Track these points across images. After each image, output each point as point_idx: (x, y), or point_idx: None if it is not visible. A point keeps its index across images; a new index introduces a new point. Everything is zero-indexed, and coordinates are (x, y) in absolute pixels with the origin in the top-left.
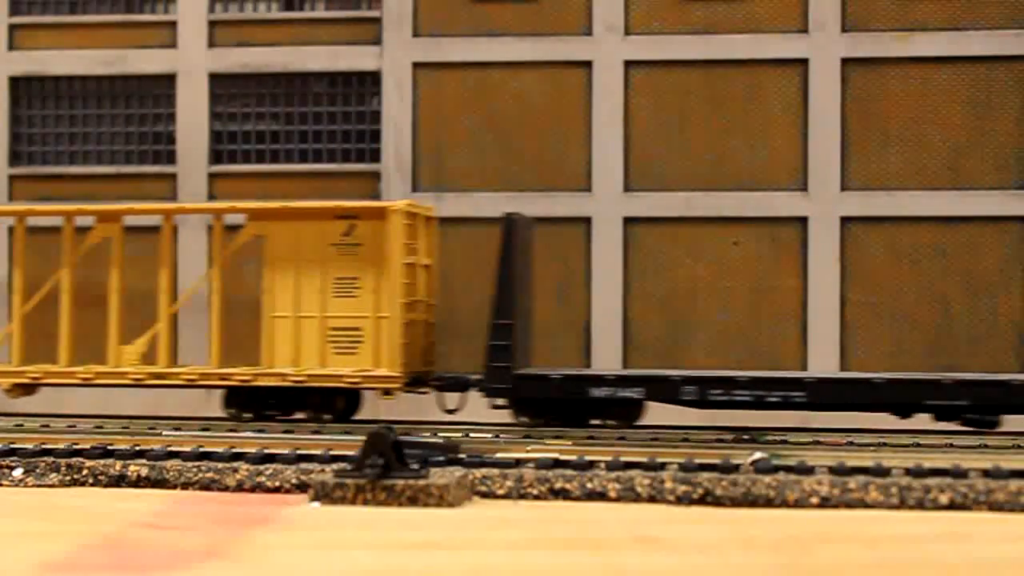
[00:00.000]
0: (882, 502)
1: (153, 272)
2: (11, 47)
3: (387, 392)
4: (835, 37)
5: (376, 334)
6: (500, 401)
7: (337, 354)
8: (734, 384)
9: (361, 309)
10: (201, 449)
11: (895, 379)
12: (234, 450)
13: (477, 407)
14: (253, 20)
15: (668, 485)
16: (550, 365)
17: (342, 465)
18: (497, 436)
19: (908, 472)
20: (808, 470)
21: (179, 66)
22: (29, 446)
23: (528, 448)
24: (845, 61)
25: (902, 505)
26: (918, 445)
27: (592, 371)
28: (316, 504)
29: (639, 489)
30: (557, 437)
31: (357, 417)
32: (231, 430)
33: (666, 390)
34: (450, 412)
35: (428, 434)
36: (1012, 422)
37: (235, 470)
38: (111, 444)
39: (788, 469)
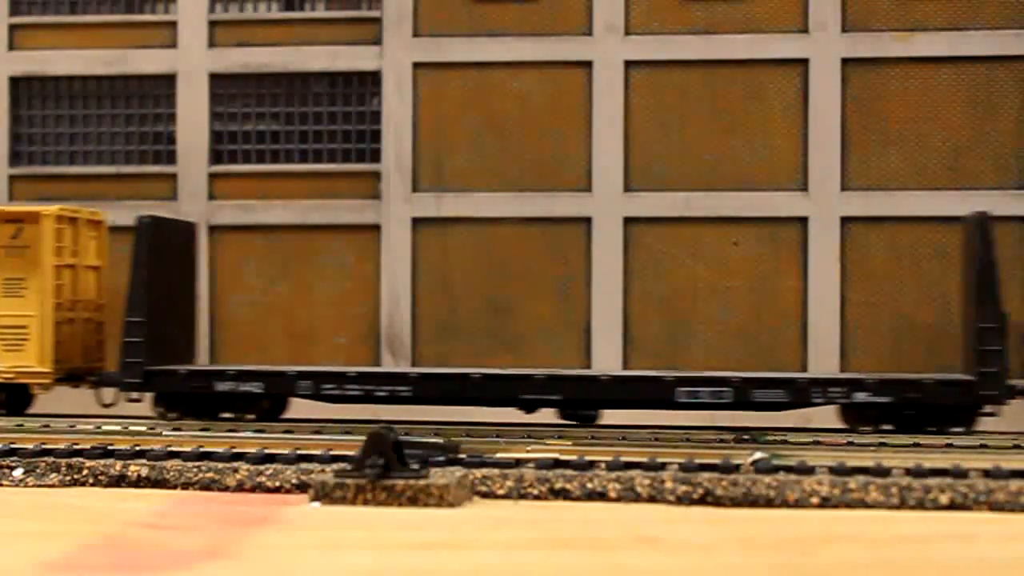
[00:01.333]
0: (882, 502)
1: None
2: (11, 47)
3: (42, 386)
4: (835, 37)
5: (40, 332)
6: (135, 395)
7: (6, 351)
8: (345, 379)
9: (27, 308)
10: (201, 449)
11: (489, 375)
12: (234, 450)
13: None
14: (253, 20)
15: (668, 485)
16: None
17: (342, 465)
18: (498, 436)
19: (908, 472)
20: (808, 470)
21: (179, 66)
22: (29, 446)
23: (528, 448)
24: (845, 61)
25: (902, 505)
26: (918, 445)
27: (216, 366)
28: (316, 504)
29: (639, 489)
30: (558, 437)
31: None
32: (231, 430)
33: (283, 384)
34: (107, 406)
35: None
36: (611, 416)
37: (235, 470)
38: (111, 444)
39: (788, 469)
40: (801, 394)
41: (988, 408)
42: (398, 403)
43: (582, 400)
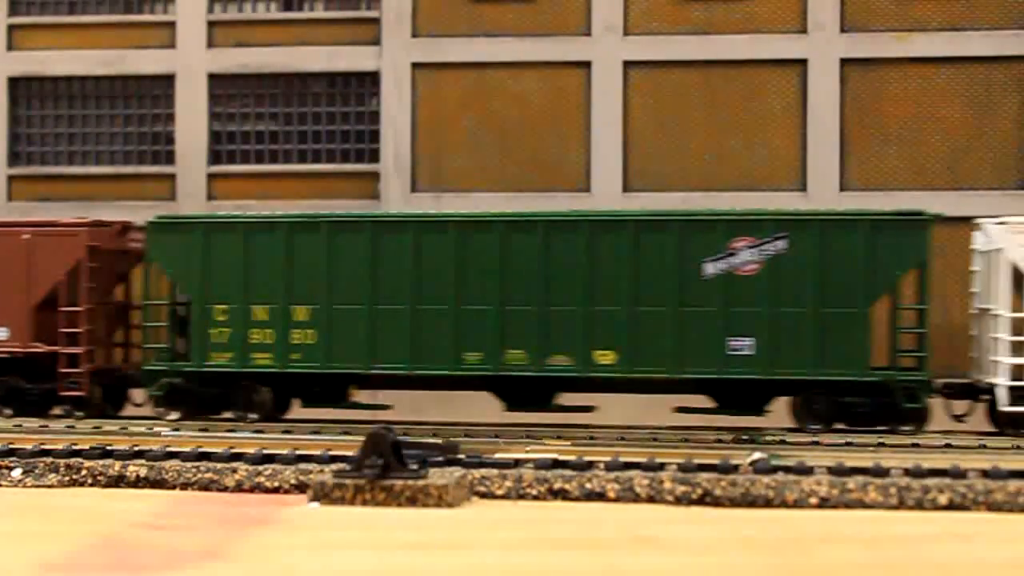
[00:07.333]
0: (881, 502)
1: None
2: (11, 47)
3: None
4: (834, 37)
5: None
6: None
7: None
8: None
9: None
10: (200, 450)
11: None
12: (233, 450)
13: None
14: (252, 20)
15: (667, 485)
16: None
17: (341, 465)
18: (496, 436)
19: (907, 472)
20: (807, 470)
21: (178, 66)
22: (28, 446)
23: (527, 448)
24: (844, 61)
25: (901, 505)
26: (917, 445)
27: None
28: (315, 504)
29: (638, 489)
30: (557, 437)
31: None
32: (230, 430)
33: None
34: None
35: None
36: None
37: (234, 470)
38: (110, 445)
39: (787, 469)
40: None
41: None
42: None
43: None
